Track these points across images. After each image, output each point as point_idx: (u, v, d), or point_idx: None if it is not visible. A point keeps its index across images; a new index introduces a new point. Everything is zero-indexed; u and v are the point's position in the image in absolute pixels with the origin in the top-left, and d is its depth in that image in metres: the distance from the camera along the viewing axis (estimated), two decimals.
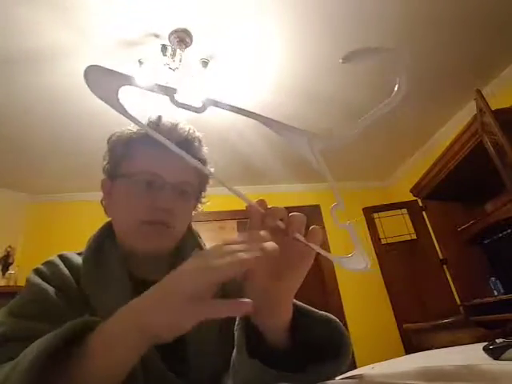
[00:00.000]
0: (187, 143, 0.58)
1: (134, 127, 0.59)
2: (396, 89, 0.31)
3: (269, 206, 0.35)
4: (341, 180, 3.51)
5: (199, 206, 0.67)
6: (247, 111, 0.33)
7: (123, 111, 0.31)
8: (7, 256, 2.67)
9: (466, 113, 2.40)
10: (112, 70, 0.30)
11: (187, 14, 1.64)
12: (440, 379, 0.36)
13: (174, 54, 1.74)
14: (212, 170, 0.59)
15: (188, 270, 0.30)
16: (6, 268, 2.64)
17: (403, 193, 2.98)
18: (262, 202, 0.34)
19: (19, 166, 2.68)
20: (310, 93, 2.11)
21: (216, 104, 0.33)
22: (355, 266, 0.36)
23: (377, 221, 2.99)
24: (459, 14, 1.77)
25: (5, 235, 2.73)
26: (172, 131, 0.57)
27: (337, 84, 2.18)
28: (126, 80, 0.31)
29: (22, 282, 2.60)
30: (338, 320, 0.44)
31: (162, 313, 0.29)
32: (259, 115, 0.33)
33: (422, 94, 2.38)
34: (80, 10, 1.54)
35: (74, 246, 0.63)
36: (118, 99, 0.31)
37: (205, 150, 0.62)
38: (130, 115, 0.31)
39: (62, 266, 0.54)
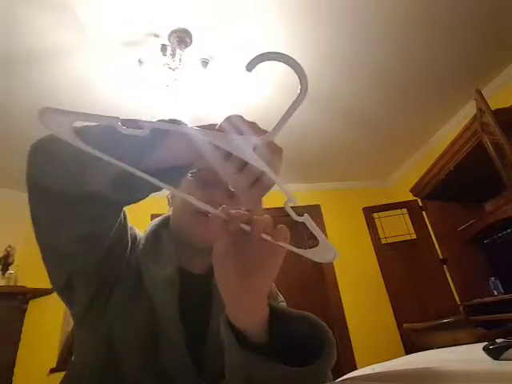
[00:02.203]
0: None
1: None
2: (299, 90, 0.33)
3: (231, 212, 0.37)
4: (341, 180, 3.51)
5: None
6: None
7: (81, 146, 0.33)
8: (7, 256, 2.67)
9: (466, 113, 2.40)
10: (64, 110, 0.32)
11: (187, 14, 1.64)
12: (440, 379, 0.36)
13: (173, 54, 1.74)
14: None
15: None
16: (6, 268, 2.63)
17: (403, 193, 2.98)
18: (223, 210, 0.37)
19: (20, 166, 2.67)
20: (309, 92, 2.11)
21: None
22: (324, 257, 0.37)
23: (377, 221, 2.99)
24: (459, 13, 1.77)
25: (5, 235, 2.73)
26: None
27: (336, 83, 2.18)
28: (77, 116, 0.32)
29: (22, 282, 2.59)
30: (314, 316, 0.46)
31: None
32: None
33: (422, 94, 2.38)
34: (81, 11, 1.55)
35: None
36: (73, 135, 0.33)
37: None
38: (89, 149, 0.33)
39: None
